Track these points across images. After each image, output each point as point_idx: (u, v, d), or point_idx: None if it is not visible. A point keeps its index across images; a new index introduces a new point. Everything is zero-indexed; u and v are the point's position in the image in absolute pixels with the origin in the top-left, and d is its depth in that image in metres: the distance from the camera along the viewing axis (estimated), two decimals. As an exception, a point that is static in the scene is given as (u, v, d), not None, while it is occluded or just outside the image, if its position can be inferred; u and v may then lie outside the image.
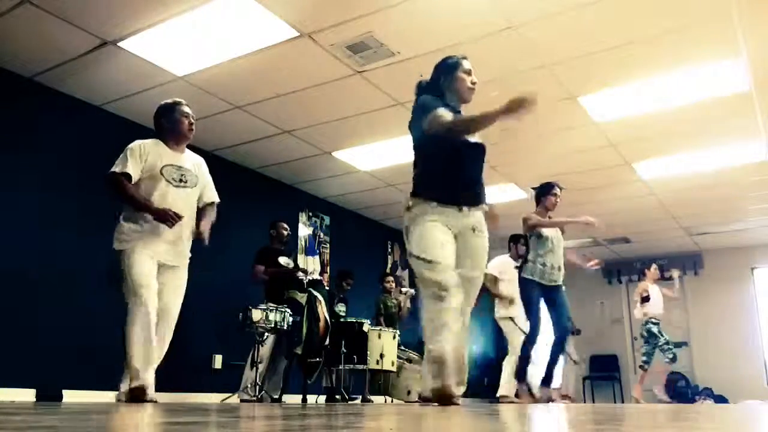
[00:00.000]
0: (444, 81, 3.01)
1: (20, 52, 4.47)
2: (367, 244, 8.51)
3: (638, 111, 5.28)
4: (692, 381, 9.77)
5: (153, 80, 4.81)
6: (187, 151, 3.53)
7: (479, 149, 2.96)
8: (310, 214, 7.59)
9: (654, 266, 7.28)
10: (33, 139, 4.82)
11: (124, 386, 3.19)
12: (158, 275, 3.31)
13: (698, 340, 9.93)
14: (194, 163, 3.53)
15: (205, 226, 3.50)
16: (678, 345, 10.04)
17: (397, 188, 7.29)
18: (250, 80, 4.85)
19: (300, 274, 5.52)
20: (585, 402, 9.71)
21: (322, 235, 7.72)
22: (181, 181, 3.39)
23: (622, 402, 9.78)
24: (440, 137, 2.80)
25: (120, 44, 4.33)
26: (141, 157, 3.30)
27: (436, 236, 2.75)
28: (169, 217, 3.21)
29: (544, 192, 4.89)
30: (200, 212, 3.52)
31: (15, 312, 4.47)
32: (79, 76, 4.79)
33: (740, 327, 9.59)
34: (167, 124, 3.43)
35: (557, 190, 4.91)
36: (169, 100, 3.52)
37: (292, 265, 5.61)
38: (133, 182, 3.26)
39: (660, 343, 6.97)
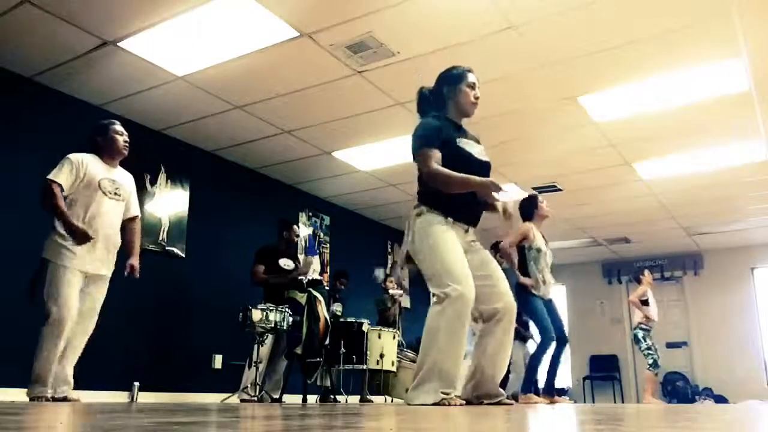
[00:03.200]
0: (447, 92, 2.99)
1: (20, 52, 4.47)
2: (367, 244, 8.51)
3: (638, 111, 5.28)
4: (692, 381, 9.78)
5: (153, 80, 4.81)
6: (119, 167, 3.79)
7: (487, 168, 2.97)
8: (310, 214, 7.59)
9: (647, 271, 7.25)
10: (33, 139, 4.82)
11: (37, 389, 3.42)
12: (85, 285, 3.55)
13: (698, 340, 9.93)
14: (125, 179, 3.79)
15: (135, 259, 3.77)
16: (678, 345, 10.07)
17: (397, 188, 7.30)
18: (250, 80, 4.85)
19: (301, 277, 5.51)
20: (585, 402, 9.70)
21: (322, 235, 7.72)
22: (115, 194, 3.66)
23: (623, 402, 9.78)
24: (450, 156, 2.82)
25: (120, 44, 4.33)
26: (78, 170, 3.53)
27: (453, 243, 2.80)
28: (85, 239, 3.44)
29: (531, 206, 4.86)
30: (123, 227, 3.77)
31: (15, 312, 4.47)
32: (79, 76, 4.79)
33: (740, 327, 9.60)
34: (103, 142, 3.69)
35: (542, 199, 4.95)
36: (104, 121, 3.80)
37: (291, 266, 5.61)
38: (64, 193, 3.49)
39: (642, 348, 6.94)
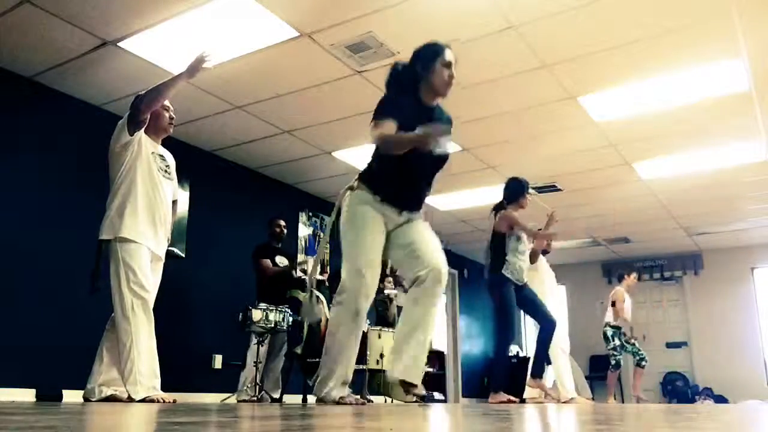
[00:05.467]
0: (421, 70, 2.80)
1: (20, 52, 4.47)
2: (367, 244, 8.49)
3: (638, 111, 5.28)
4: (692, 381, 9.78)
5: (153, 80, 4.76)
6: (161, 146, 3.52)
7: (442, 162, 2.83)
8: (310, 214, 7.59)
9: (634, 274, 7.42)
10: (33, 139, 4.82)
11: (105, 389, 3.18)
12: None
13: (698, 340, 9.93)
14: (170, 157, 3.54)
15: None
16: (678, 345, 10.08)
17: (397, 188, 7.29)
18: (250, 80, 4.85)
19: (299, 273, 5.51)
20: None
21: (322, 235, 7.72)
22: (166, 171, 3.42)
23: (622, 402, 9.78)
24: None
25: (120, 44, 4.33)
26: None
27: (369, 228, 2.76)
28: (200, 61, 3.20)
29: (521, 190, 4.81)
30: None
31: (15, 312, 4.47)
32: (79, 76, 4.79)
33: (740, 327, 9.60)
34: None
35: (531, 190, 4.96)
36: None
37: (286, 263, 5.60)
38: (134, 137, 3.25)
39: (608, 347, 7.16)
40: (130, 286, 3.12)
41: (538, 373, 4.81)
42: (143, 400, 3.00)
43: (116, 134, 3.29)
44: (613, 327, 7.15)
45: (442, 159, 2.80)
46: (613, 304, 7.21)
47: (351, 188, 2.83)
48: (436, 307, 2.79)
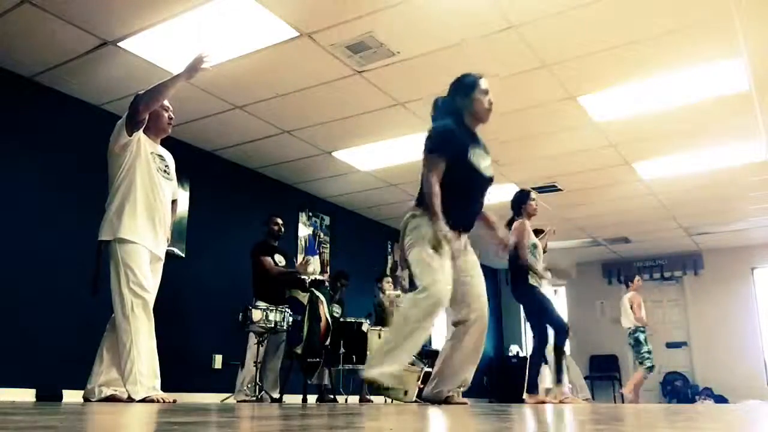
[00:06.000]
0: (461, 101, 3.03)
1: (20, 52, 4.47)
2: (367, 244, 8.51)
3: (638, 111, 5.28)
4: (692, 381, 9.78)
5: (153, 80, 4.75)
6: (160, 145, 3.51)
7: (489, 183, 3.07)
8: (310, 214, 7.59)
9: (638, 278, 7.51)
10: (33, 139, 4.82)
11: (105, 389, 3.18)
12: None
13: (698, 340, 9.93)
14: (169, 157, 3.53)
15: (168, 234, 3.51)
16: (678, 345, 10.08)
17: (397, 188, 7.29)
18: (250, 80, 4.85)
19: (303, 277, 5.50)
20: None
21: (322, 235, 7.72)
22: (165, 171, 3.41)
23: (622, 402, 9.78)
24: (457, 167, 2.89)
25: (120, 44, 4.33)
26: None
27: (435, 257, 2.87)
28: (203, 57, 3.19)
29: (523, 200, 4.89)
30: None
31: (15, 312, 4.47)
32: (79, 76, 4.79)
33: (740, 327, 9.60)
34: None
35: (534, 195, 4.98)
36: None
37: (284, 263, 5.60)
38: (133, 138, 3.24)
39: (642, 351, 7.14)
40: (130, 286, 3.12)
41: (534, 391, 4.80)
42: (143, 400, 3.00)
43: (115, 134, 3.29)
44: (643, 332, 7.12)
45: (491, 179, 3.05)
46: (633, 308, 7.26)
47: (413, 216, 2.97)
48: (480, 346, 3.08)
